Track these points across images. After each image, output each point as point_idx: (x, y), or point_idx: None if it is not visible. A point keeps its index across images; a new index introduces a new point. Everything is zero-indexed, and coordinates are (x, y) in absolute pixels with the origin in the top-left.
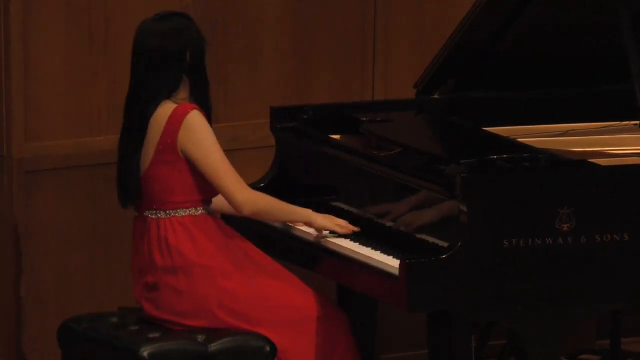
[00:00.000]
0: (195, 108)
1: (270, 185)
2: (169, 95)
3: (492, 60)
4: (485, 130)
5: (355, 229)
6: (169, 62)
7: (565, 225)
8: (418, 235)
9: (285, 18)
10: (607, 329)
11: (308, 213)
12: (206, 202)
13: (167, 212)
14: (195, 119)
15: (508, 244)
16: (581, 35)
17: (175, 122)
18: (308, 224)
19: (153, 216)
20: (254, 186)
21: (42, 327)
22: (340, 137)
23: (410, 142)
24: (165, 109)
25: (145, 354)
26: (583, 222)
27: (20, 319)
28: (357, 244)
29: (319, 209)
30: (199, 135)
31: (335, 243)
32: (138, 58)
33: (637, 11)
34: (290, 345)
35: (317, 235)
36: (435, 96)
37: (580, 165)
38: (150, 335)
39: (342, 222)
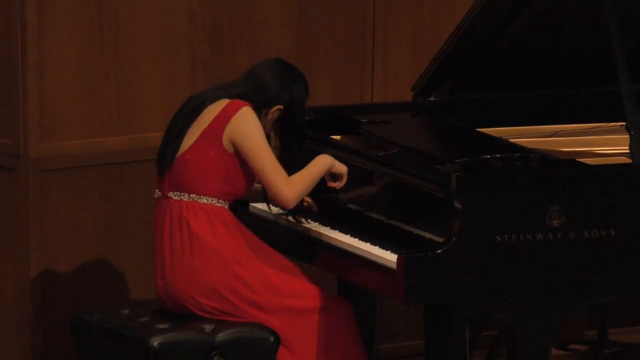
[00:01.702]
0: (248, 104)
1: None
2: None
3: (486, 63)
4: (479, 131)
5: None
6: (262, 96)
7: (555, 222)
8: (415, 231)
9: (288, 23)
10: (595, 320)
11: (326, 162)
12: (228, 199)
13: (191, 196)
14: (249, 113)
15: (501, 239)
16: (574, 38)
17: (228, 112)
18: (331, 170)
19: (176, 198)
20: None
21: (55, 319)
22: (340, 138)
23: (408, 142)
24: (221, 102)
25: (155, 344)
26: (572, 219)
27: (35, 312)
28: (356, 239)
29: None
30: (251, 128)
31: (335, 239)
32: (249, 75)
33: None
34: (294, 334)
35: (316, 233)
36: (432, 98)
37: (569, 164)
38: (160, 327)
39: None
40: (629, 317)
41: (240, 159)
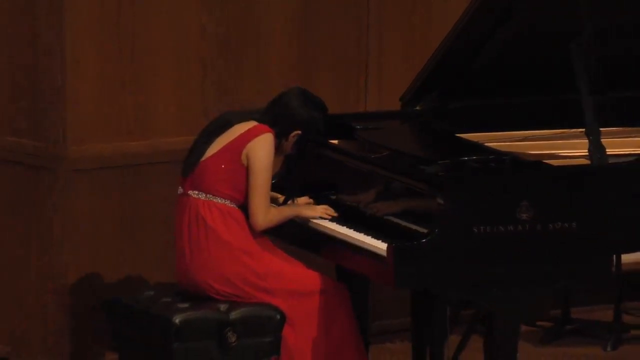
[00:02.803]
0: (271, 132)
1: (280, 183)
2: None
3: (464, 77)
4: (459, 137)
5: (334, 213)
6: (286, 123)
7: (524, 215)
8: (403, 224)
9: (290, 37)
10: (559, 300)
11: (297, 209)
12: (239, 202)
13: (208, 196)
14: (269, 139)
15: (477, 230)
16: (543, 54)
17: (253, 133)
18: (298, 217)
19: (195, 196)
20: None
21: (87, 302)
22: (338, 142)
23: (397, 146)
24: (249, 123)
25: (177, 321)
26: (539, 213)
27: (73, 291)
28: (352, 230)
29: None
30: (263, 153)
31: (334, 230)
32: (276, 102)
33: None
34: (297, 313)
35: (315, 224)
36: (418, 108)
37: (536, 165)
38: (181, 306)
39: (320, 208)
40: (588, 298)
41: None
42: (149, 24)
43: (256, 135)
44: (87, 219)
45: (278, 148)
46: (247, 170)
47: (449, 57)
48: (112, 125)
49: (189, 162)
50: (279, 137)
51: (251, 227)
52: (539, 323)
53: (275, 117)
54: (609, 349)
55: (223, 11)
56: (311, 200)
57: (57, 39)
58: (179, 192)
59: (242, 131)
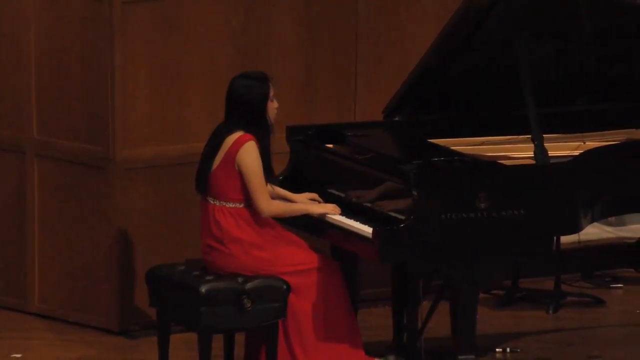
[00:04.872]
0: (253, 139)
1: (286, 179)
2: (236, 129)
3: (434, 94)
4: (430, 141)
5: (339, 210)
6: (249, 115)
7: (482, 205)
8: (385, 211)
9: (297, 62)
10: (509, 272)
11: (306, 207)
12: (247, 200)
13: (220, 202)
14: (250, 147)
15: (444, 217)
16: (497, 74)
17: (238, 145)
18: (308, 213)
19: (212, 202)
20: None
21: (135, 273)
22: (333, 146)
23: (380, 149)
24: (235, 135)
25: (203, 290)
26: (494, 202)
27: (123, 267)
28: (344, 217)
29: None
30: (249, 161)
31: (331, 217)
32: (230, 105)
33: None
34: (301, 285)
35: (318, 214)
36: (397, 119)
37: (492, 164)
38: (207, 278)
39: (330, 206)
40: (534, 270)
41: None
42: (188, 56)
43: (240, 147)
44: (138, 208)
45: (269, 117)
46: (240, 174)
47: (421, 78)
48: (158, 134)
49: (200, 179)
50: (260, 119)
51: (259, 222)
52: (493, 291)
53: (241, 118)
54: (550, 312)
55: (244, 44)
56: (316, 195)
57: (117, 63)
58: (201, 197)
59: (230, 144)
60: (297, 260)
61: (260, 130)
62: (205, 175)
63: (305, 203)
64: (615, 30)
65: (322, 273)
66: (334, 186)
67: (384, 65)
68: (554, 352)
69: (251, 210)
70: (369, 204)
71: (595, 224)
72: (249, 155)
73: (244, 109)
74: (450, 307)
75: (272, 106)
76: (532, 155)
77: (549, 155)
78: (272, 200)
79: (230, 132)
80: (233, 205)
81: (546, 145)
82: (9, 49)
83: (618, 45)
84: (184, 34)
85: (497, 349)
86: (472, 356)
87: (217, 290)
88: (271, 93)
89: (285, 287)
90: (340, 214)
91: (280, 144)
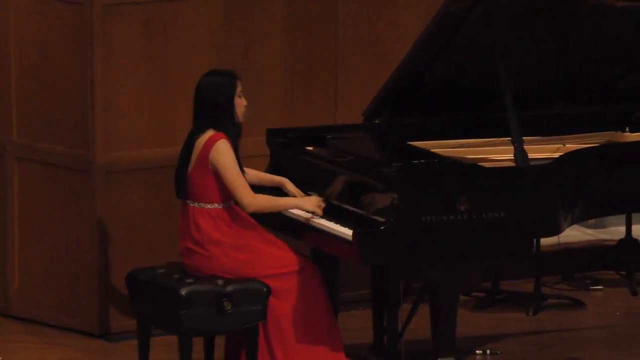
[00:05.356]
0: (224, 137)
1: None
2: (206, 128)
3: (413, 97)
4: (409, 144)
5: (324, 205)
6: (217, 114)
7: (462, 207)
8: (365, 214)
9: (279, 70)
10: (489, 274)
11: (296, 201)
12: (226, 200)
13: (200, 204)
14: (222, 145)
15: (424, 219)
16: (475, 78)
17: (209, 145)
18: (298, 208)
19: (191, 204)
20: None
21: (116, 276)
22: (313, 149)
23: (360, 152)
24: (206, 135)
25: (183, 292)
26: (474, 205)
27: (103, 270)
28: (324, 219)
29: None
30: (222, 158)
31: (311, 219)
32: (199, 104)
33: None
34: (281, 287)
35: (306, 217)
36: (377, 121)
37: (472, 167)
38: (187, 281)
39: (314, 200)
40: (514, 272)
41: None
42: (170, 60)
43: (211, 147)
44: (120, 211)
45: (237, 115)
46: (215, 173)
47: (400, 82)
48: (141, 137)
49: (178, 183)
50: (228, 117)
51: (239, 224)
52: (473, 293)
53: (209, 117)
54: (530, 314)
55: (226, 48)
56: (300, 192)
57: (98, 67)
58: (182, 202)
59: (202, 144)
60: (277, 263)
61: (229, 127)
62: (182, 179)
63: (295, 198)
64: (599, 34)
65: (302, 275)
66: (314, 188)
67: (364, 69)
68: (534, 354)
69: (231, 212)
70: (349, 207)
71: (575, 226)
72: (221, 153)
73: (211, 106)
74: (430, 309)
75: (240, 103)
76: (512, 157)
77: (529, 157)
78: (256, 195)
79: (202, 132)
80: (212, 206)
81: (526, 147)
82: None
83: (602, 49)
84: (166, 38)
85: (477, 351)
86: (452, 358)
87: (197, 293)
88: (238, 89)
89: (265, 289)
90: (322, 216)
91: (260, 146)
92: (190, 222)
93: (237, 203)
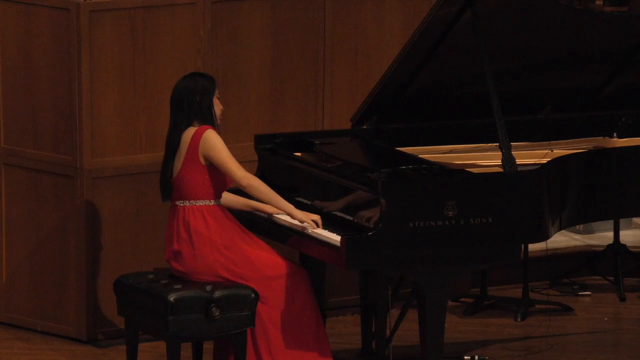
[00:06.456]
0: (210, 127)
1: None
2: (189, 124)
3: (400, 103)
4: (397, 150)
5: (320, 224)
6: (199, 111)
7: (450, 213)
8: (353, 219)
9: (264, 77)
10: (477, 280)
11: (290, 208)
12: (217, 197)
13: (190, 202)
14: (211, 134)
15: (412, 225)
16: (462, 84)
17: (197, 136)
18: (289, 215)
19: (181, 204)
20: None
21: (103, 282)
22: (301, 155)
23: (348, 157)
24: (191, 129)
25: (172, 298)
26: (462, 210)
27: (90, 275)
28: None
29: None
30: (213, 143)
31: (298, 225)
32: (177, 105)
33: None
34: (269, 292)
35: (301, 226)
36: (364, 127)
37: (460, 172)
38: (175, 287)
39: (315, 217)
40: (502, 278)
41: (214, 166)
42: (156, 66)
43: (200, 137)
44: (106, 216)
45: (217, 116)
46: (212, 163)
47: (387, 88)
48: (127, 143)
49: (164, 187)
50: (208, 113)
51: (228, 221)
52: (461, 299)
53: (190, 113)
54: (518, 319)
55: (214, 58)
56: (318, 218)
57: (84, 72)
58: (170, 205)
59: (190, 139)
60: (265, 267)
61: (212, 125)
62: (167, 181)
63: (290, 205)
64: (585, 39)
65: (290, 280)
66: (301, 194)
67: (352, 75)
68: (521, 359)
69: (221, 209)
70: (337, 212)
71: (563, 231)
72: (212, 139)
73: (194, 104)
74: (418, 315)
75: (218, 105)
76: (500, 163)
77: (517, 163)
78: (248, 173)
79: (185, 128)
80: (203, 203)
81: (514, 153)
82: None
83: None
84: (152, 43)
85: (465, 357)
86: None
87: (185, 298)
88: (216, 91)
89: (253, 295)
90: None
91: (248, 152)
92: (180, 223)
93: (232, 179)
